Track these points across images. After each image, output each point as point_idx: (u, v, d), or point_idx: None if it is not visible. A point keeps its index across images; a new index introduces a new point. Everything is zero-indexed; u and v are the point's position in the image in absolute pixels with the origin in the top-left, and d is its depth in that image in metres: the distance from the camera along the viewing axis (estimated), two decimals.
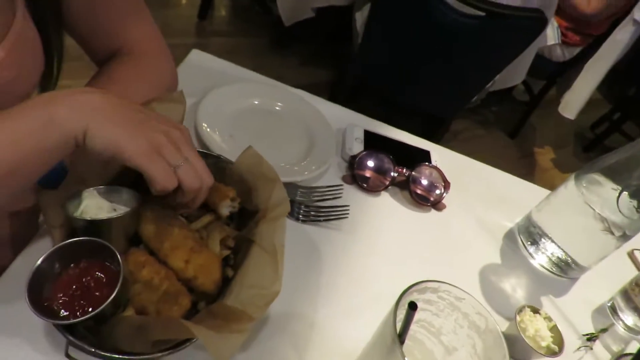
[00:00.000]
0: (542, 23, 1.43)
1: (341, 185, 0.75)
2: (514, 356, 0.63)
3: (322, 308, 0.60)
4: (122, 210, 0.49)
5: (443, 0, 1.29)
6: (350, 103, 0.93)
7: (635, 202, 0.69)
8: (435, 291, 0.44)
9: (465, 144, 2.58)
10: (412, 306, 0.40)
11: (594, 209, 0.70)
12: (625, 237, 0.71)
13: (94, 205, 0.49)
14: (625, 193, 0.69)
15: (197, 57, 0.86)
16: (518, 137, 2.81)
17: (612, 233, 0.71)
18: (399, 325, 0.40)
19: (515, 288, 0.73)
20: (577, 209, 0.72)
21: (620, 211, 0.69)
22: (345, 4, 1.89)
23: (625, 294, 0.74)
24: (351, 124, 0.85)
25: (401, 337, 0.41)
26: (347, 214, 0.70)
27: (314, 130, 0.80)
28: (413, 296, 0.42)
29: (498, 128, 2.82)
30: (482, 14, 1.37)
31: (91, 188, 0.50)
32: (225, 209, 0.55)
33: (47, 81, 0.60)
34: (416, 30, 1.41)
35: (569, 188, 0.75)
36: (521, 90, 2.84)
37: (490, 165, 0.93)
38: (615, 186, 0.70)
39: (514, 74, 2.07)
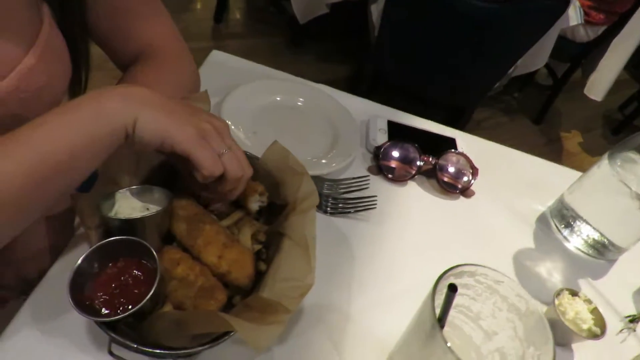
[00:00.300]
0: (564, 3, 1.39)
1: (367, 176, 0.74)
2: (555, 341, 0.62)
3: (356, 299, 0.60)
4: (154, 209, 0.50)
5: None
6: (371, 96, 0.93)
7: None
8: (473, 275, 0.43)
9: (489, 132, 2.53)
10: (452, 288, 0.40)
11: (630, 188, 0.68)
12: None
13: (127, 206, 0.50)
14: None
15: (218, 58, 0.87)
16: (543, 122, 2.74)
17: None
18: (437, 310, 0.39)
19: (552, 272, 0.72)
20: (612, 188, 0.70)
21: None
22: None
23: None
24: (374, 115, 0.84)
25: (441, 321, 0.40)
26: (375, 204, 0.70)
27: (337, 123, 0.80)
28: (450, 280, 0.42)
29: (522, 114, 2.76)
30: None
31: (124, 189, 0.51)
32: (255, 203, 0.56)
33: (76, 88, 0.62)
34: (434, 19, 1.39)
35: (603, 168, 0.72)
36: (544, 74, 2.78)
37: None
38: None
39: (536, 57, 2.02)
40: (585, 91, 2.44)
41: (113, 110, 0.42)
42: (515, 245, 0.74)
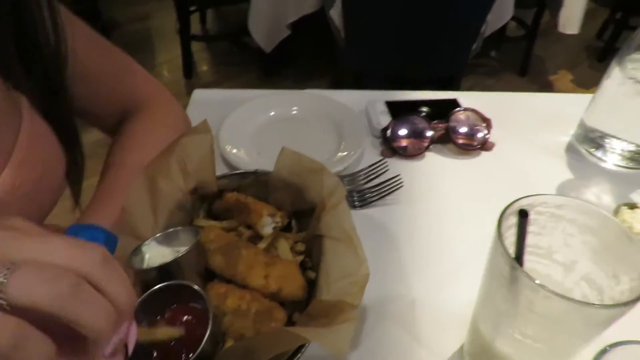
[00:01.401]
0: None
1: (383, 159, 0.72)
2: None
3: (415, 283, 0.57)
4: (184, 249, 0.48)
5: None
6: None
7: None
8: (532, 207, 0.40)
9: None
10: (523, 214, 0.36)
11: None
12: None
13: (157, 254, 0.48)
14: None
15: (201, 96, 0.86)
16: (529, 73, 2.72)
17: None
18: (511, 250, 0.36)
19: (600, 195, 0.68)
20: (631, 93, 0.68)
21: None
22: (315, 9, 1.90)
23: None
24: (371, 100, 0.82)
25: (519, 259, 0.37)
26: (401, 182, 0.67)
27: (337, 119, 0.78)
28: (510, 220, 0.39)
29: (506, 72, 2.74)
30: None
31: (148, 240, 0.49)
32: (267, 227, 0.53)
33: (75, 171, 0.59)
34: (390, 9, 1.39)
35: (614, 77, 0.70)
36: (514, 26, 2.77)
37: None
38: None
39: (502, 11, 2.02)
40: (560, 29, 2.42)
41: None
42: (553, 181, 0.70)
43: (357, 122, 0.77)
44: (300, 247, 0.54)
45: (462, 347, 0.50)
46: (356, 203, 0.66)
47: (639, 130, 0.71)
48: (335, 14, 1.70)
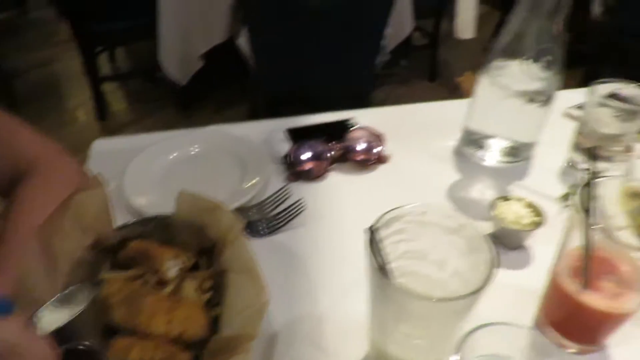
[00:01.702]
0: None
1: (285, 185, 0.75)
2: (511, 246, 0.65)
3: (321, 298, 0.60)
4: (79, 309, 0.47)
5: None
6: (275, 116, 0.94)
7: (540, 64, 0.73)
8: (399, 218, 0.45)
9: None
10: (372, 230, 0.40)
11: (512, 88, 0.73)
12: (549, 99, 0.74)
13: (52, 320, 0.47)
14: (528, 62, 0.73)
15: (102, 147, 0.85)
16: (438, 78, 2.90)
17: (538, 100, 0.75)
18: (379, 260, 0.40)
19: (484, 192, 0.75)
20: (497, 97, 0.76)
21: (533, 78, 0.73)
22: (225, 39, 1.92)
23: (577, 146, 0.77)
24: (273, 129, 0.86)
25: (383, 269, 0.41)
26: (303, 206, 0.71)
27: (238, 152, 0.80)
28: (381, 232, 0.43)
29: (416, 79, 2.90)
30: None
31: (46, 304, 0.48)
32: (171, 270, 0.54)
33: None
34: (294, 24, 1.45)
35: (483, 84, 0.78)
36: (417, 36, 2.95)
37: None
38: (517, 61, 0.74)
39: (403, 24, 2.16)
40: (459, 35, 2.62)
41: None
42: (444, 184, 0.77)
43: (259, 152, 0.80)
44: (208, 284, 0.55)
45: (367, 355, 0.53)
46: (264, 231, 0.69)
47: (510, 128, 0.80)
48: (242, 42, 1.73)
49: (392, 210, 0.44)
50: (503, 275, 0.49)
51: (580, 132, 0.77)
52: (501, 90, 0.76)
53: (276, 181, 0.78)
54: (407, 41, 2.76)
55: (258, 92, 1.85)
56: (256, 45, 1.60)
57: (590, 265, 0.46)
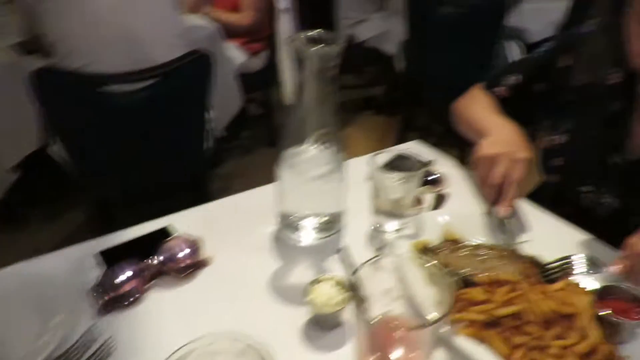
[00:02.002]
0: (208, 59, 1.55)
1: (93, 324, 0.69)
2: (329, 328, 0.68)
3: None
4: None
5: (104, 92, 1.30)
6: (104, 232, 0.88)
7: (323, 147, 0.80)
8: (188, 355, 0.44)
9: (243, 181, 2.65)
10: None
11: (308, 173, 0.79)
12: (341, 176, 0.82)
13: None
14: (314, 146, 0.80)
15: None
16: (278, 142, 3.03)
17: (332, 179, 0.82)
18: None
19: (302, 274, 0.78)
20: (298, 180, 0.81)
21: (320, 161, 0.79)
22: (37, 147, 1.79)
23: (377, 210, 0.86)
24: (79, 258, 0.80)
25: None
26: (112, 346, 0.66)
27: (40, 292, 0.72)
28: None
29: (258, 146, 2.99)
30: (152, 81, 1.44)
31: None
32: None
33: None
34: (105, 127, 1.40)
35: (283, 169, 0.83)
36: (253, 108, 3.08)
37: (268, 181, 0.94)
38: (305, 146, 0.80)
39: (228, 103, 2.24)
40: (285, 102, 2.83)
41: None
42: (265, 275, 0.78)
43: (69, 292, 0.72)
44: None
45: None
46: None
47: (318, 205, 0.85)
48: (55, 150, 1.63)
49: (180, 349, 0.43)
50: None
51: (375, 197, 0.85)
52: (299, 174, 0.81)
53: (85, 319, 0.70)
54: (243, 113, 2.86)
55: (84, 196, 1.73)
56: (72, 152, 1.51)
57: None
